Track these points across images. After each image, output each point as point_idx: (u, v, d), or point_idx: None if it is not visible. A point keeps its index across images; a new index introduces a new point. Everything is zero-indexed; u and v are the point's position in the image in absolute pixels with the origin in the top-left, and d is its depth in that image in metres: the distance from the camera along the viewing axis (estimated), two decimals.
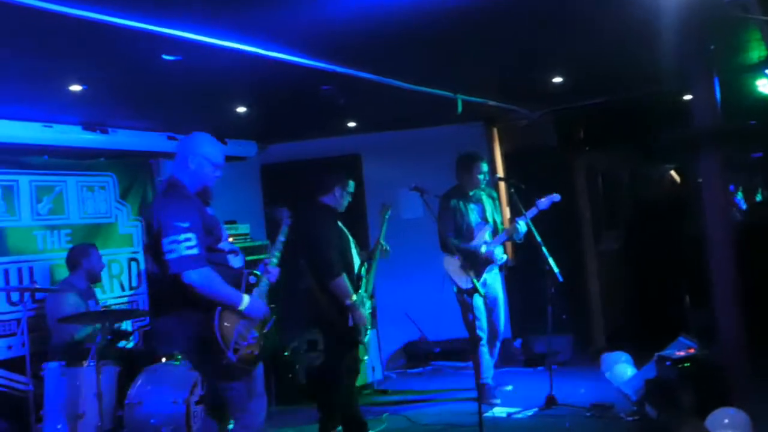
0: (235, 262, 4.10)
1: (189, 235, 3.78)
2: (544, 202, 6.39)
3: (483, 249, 6.47)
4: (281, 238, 4.47)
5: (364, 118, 7.85)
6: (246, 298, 3.97)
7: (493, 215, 6.72)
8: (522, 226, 6.33)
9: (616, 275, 8.66)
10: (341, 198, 5.53)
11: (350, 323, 5.31)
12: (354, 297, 5.29)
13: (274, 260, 4.29)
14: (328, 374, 5.56)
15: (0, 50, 4.33)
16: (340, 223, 5.57)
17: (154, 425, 5.26)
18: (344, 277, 5.27)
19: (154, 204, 4.05)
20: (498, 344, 6.84)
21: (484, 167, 6.62)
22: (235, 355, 3.87)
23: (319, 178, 5.65)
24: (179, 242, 3.75)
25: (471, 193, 6.66)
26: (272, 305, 4.22)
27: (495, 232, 6.63)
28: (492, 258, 6.52)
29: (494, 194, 6.88)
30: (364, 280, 5.54)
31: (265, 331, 4.15)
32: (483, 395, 6.24)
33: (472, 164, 6.60)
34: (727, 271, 5.16)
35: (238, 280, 4.04)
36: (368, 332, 5.50)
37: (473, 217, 6.62)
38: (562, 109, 8.11)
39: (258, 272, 4.19)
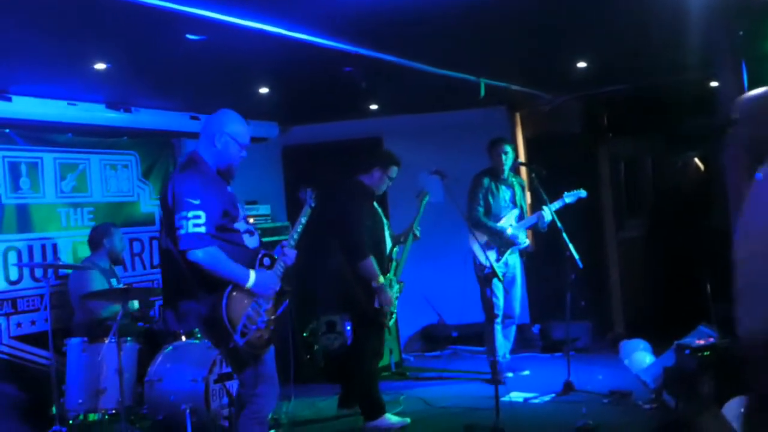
0: (251, 242, 4.03)
1: (198, 212, 3.72)
2: (570, 197, 6.51)
3: (509, 231, 6.63)
4: (302, 219, 4.36)
5: (386, 101, 7.83)
6: (252, 275, 3.86)
7: (522, 201, 6.87)
8: (547, 214, 6.39)
9: (637, 263, 8.62)
10: (380, 180, 5.57)
11: (376, 305, 5.34)
12: (381, 279, 5.31)
13: (292, 242, 4.19)
14: (352, 354, 5.62)
15: (26, 29, 4.37)
16: (375, 205, 5.59)
17: (173, 402, 5.32)
18: (372, 259, 5.29)
19: (171, 178, 3.97)
20: (513, 327, 6.90)
21: (506, 148, 6.74)
22: (242, 338, 3.81)
23: (361, 157, 5.67)
24: (188, 219, 3.70)
25: (504, 176, 6.76)
26: (288, 288, 4.14)
27: (521, 217, 6.78)
28: (515, 241, 6.65)
29: (523, 183, 7.09)
30: (394, 263, 5.57)
31: (277, 314, 4.06)
32: (494, 372, 6.45)
33: (495, 146, 6.76)
34: None
35: (252, 260, 3.97)
36: (394, 316, 5.53)
37: (503, 198, 6.76)
38: (586, 95, 8.04)
39: (275, 254, 4.10)
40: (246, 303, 3.86)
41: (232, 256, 3.83)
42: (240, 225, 3.99)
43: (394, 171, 5.60)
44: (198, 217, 3.71)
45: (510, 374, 6.61)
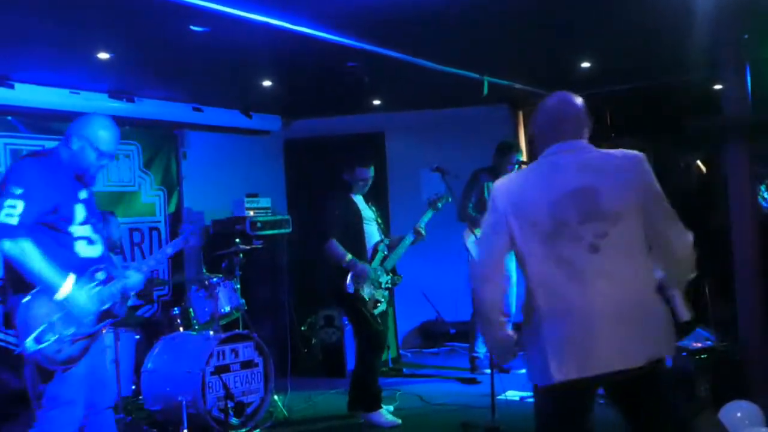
0: (86, 251, 3.64)
1: (16, 202, 3.41)
2: None
3: None
4: (168, 248, 4.11)
5: (389, 97, 7.82)
6: (67, 288, 3.46)
7: None
8: None
9: None
10: (351, 182, 5.69)
11: (350, 289, 5.39)
12: (349, 257, 5.43)
13: (144, 267, 3.85)
14: (358, 346, 5.69)
15: (30, 17, 4.37)
16: (358, 198, 5.70)
17: (169, 393, 5.33)
18: (335, 241, 5.46)
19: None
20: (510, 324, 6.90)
21: (519, 157, 6.76)
22: (36, 345, 3.39)
23: (334, 158, 5.82)
24: (2, 207, 3.41)
25: (502, 176, 6.72)
26: (116, 314, 3.72)
27: None
28: None
29: None
30: (380, 254, 5.60)
31: (91, 332, 3.60)
32: (474, 367, 6.78)
33: (509, 151, 6.73)
34: (750, 265, 5.11)
35: (80, 270, 3.58)
36: (381, 305, 5.57)
37: None
38: (589, 95, 7.98)
39: (104, 272, 3.69)
40: (52, 309, 3.47)
41: (54, 258, 3.49)
42: (77, 230, 3.63)
43: (360, 172, 5.67)
44: (13, 206, 3.41)
45: (487, 371, 6.63)
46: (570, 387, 2.75)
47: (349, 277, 5.47)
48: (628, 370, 2.71)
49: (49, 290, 3.46)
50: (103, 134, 3.70)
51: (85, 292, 3.55)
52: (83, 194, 3.73)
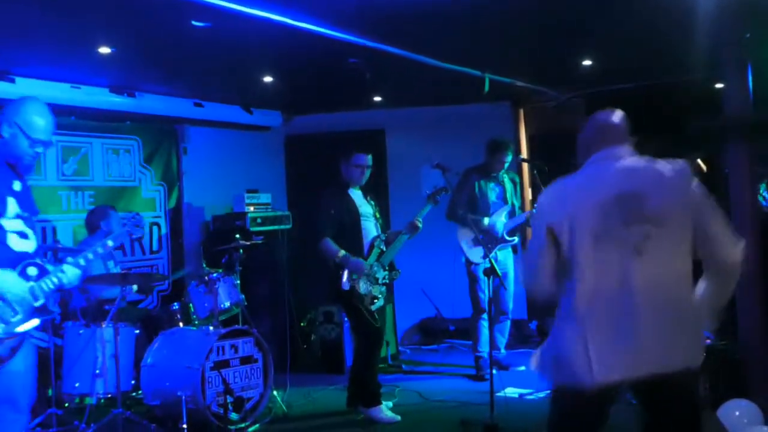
0: (19, 245, 3.41)
1: None
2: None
3: (485, 221, 6.66)
4: (108, 241, 3.78)
5: (390, 93, 7.82)
6: None
7: (513, 198, 6.87)
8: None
9: None
10: (347, 171, 5.64)
11: (345, 286, 5.38)
12: (342, 253, 5.41)
13: (81, 261, 3.58)
14: (355, 342, 5.74)
15: (31, 11, 4.36)
16: (354, 193, 5.66)
17: (169, 388, 5.33)
18: (328, 240, 5.45)
19: None
20: (508, 322, 6.93)
21: (509, 157, 6.76)
22: None
23: (334, 154, 5.78)
24: None
25: (494, 174, 6.80)
26: (53, 310, 3.51)
27: (512, 214, 6.80)
28: (494, 232, 6.66)
29: (516, 179, 7.04)
30: (377, 250, 5.57)
31: (26, 332, 3.39)
32: (478, 367, 6.74)
33: (498, 150, 6.72)
34: (749, 264, 5.10)
35: (12, 262, 3.38)
36: (378, 301, 5.55)
37: (492, 196, 6.78)
38: (591, 93, 8.02)
39: (36, 267, 3.45)
40: None
41: None
42: (8, 223, 3.40)
43: (357, 158, 5.62)
44: None
45: (494, 370, 6.62)
46: (607, 387, 2.80)
47: (344, 275, 5.43)
48: (669, 374, 2.77)
49: None
50: (37, 120, 3.47)
51: (14, 279, 3.33)
52: (17, 185, 3.48)
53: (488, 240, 6.65)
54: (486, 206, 6.72)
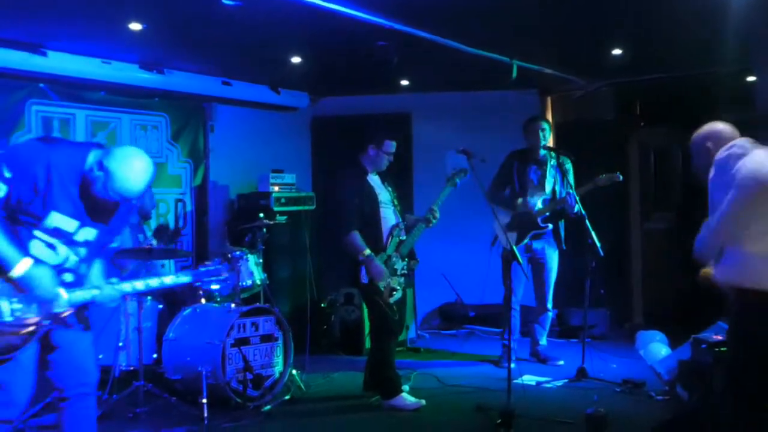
0: (40, 251, 3.38)
1: None
2: (603, 180, 6.33)
3: (519, 201, 6.59)
4: (167, 279, 3.69)
5: (418, 78, 7.80)
6: (24, 267, 3.23)
7: (556, 184, 6.65)
8: (574, 199, 6.30)
9: (661, 255, 8.56)
10: (376, 157, 5.55)
11: (364, 280, 5.38)
12: (367, 252, 5.34)
13: (126, 286, 3.54)
14: (372, 331, 5.74)
15: None
16: (376, 181, 5.60)
17: (189, 363, 5.40)
18: (356, 233, 5.35)
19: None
20: (549, 314, 6.84)
21: (544, 125, 6.63)
22: None
23: (360, 137, 5.69)
24: None
25: (538, 157, 6.67)
26: (85, 318, 3.51)
27: (552, 201, 6.60)
28: (530, 208, 6.56)
29: (568, 164, 6.62)
30: (396, 240, 5.55)
31: (41, 326, 3.37)
32: (504, 356, 6.57)
33: (532, 122, 6.67)
34: None
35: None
36: (397, 293, 5.51)
37: (529, 180, 6.66)
38: (620, 83, 7.96)
39: (73, 275, 3.45)
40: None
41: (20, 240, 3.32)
42: (42, 234, 3.38)
43: (389, 146, 5.53)
44: None
45: (513, 365, 6.57)
46: None
47: (363, 269, 5.39)
48: None
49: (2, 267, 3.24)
50: (124, 182, 3.34)
51: (49, 278, 3.31)
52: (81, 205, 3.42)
53: (522, 224, 6.57)
54: (524, 191, 6.62)
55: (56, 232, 3.37)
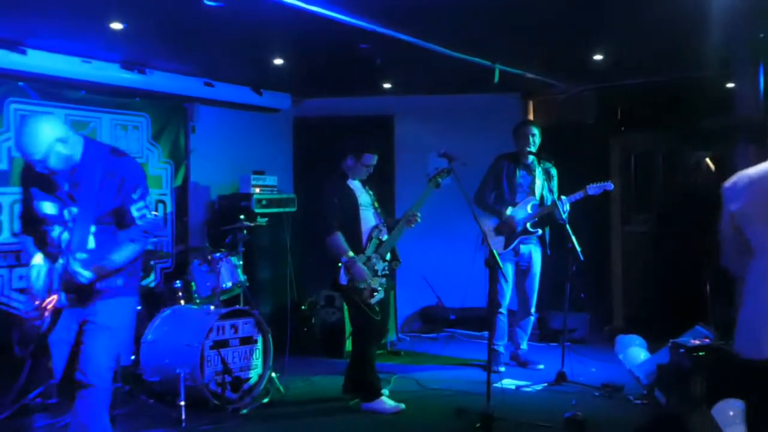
0: (47, 208, 3.74)
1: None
2: (594, 188, 6.38)
3: (508, 211, 6.57)
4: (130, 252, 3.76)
5: (400, 80, 7.80)
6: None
7: (544, 189, 6.66)
8: (564, 205, 6.32)
9: (641, 258, 8.61)
10: (353, 167, 5.61)
11: (343, 281, 5.38)
12: (350, 254, 5.36)
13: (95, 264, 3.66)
14: (353, 334, 5.73)
15: None
16: (353, 184, 5.63)
17: (168, 365, 5.37)
18: (339, 235, 5.38)
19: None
20: (531, 318, 6.85)
21: (534, 130, 6.63)
22: None
23: (342, 139, 5.74)
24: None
25: (526, 162, 6.66)
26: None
27: (540, 206, 6.62)
28: (515, 223, 6.55)
29: (553, 170, 6.70)
30: (375, 241, 5.55)
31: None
32: (491, 360, 6.43)
33: (523, 126, 6.69)
34: None
35: None
36: (378, 294, 5.49)
37: (518, 184, 6.65)
38: (602, 87, 7.99)
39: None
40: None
41: None
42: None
43: (368, 159, 5.58)
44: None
45: (502, 369, 6.57)
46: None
47: (343, 269, 5.40)
48: None
49: None
50: (19, 135, 3.61)
51: (40, 266, 3.68)
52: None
53: (508, 230, 6.57)
54: (512, 195, 6.61)
55: (51, 219, 3.69)
